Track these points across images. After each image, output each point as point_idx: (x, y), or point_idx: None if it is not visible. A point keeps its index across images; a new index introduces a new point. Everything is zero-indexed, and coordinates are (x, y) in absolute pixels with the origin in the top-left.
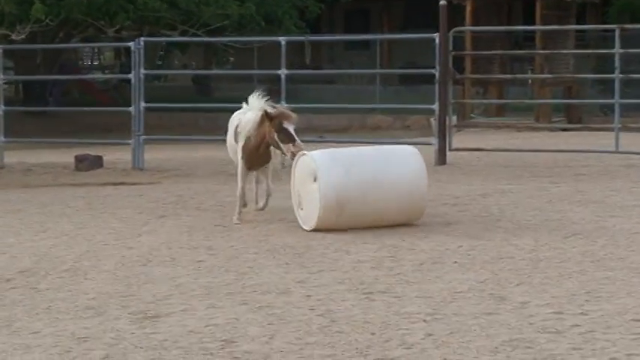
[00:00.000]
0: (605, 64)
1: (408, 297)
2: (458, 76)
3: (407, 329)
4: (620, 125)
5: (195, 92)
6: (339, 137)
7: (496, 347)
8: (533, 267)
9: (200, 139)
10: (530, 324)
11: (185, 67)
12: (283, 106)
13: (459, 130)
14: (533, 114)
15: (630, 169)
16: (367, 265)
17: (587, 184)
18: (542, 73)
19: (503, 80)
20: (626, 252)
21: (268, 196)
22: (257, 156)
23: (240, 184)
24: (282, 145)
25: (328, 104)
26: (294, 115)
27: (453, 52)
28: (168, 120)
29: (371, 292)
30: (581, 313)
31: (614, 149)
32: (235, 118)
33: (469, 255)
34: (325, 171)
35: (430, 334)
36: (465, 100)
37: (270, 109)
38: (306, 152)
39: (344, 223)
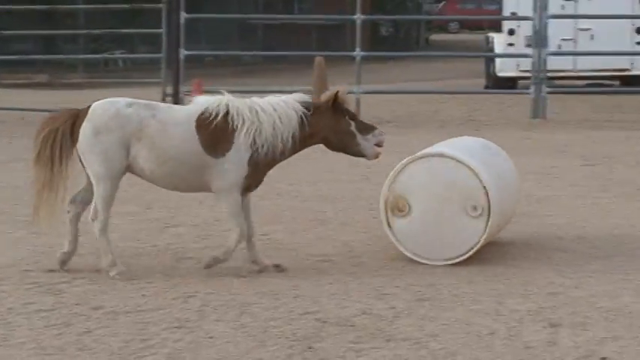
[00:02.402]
0: None
1: None
2: None
3: None
4: None
5: None
6: None
7: None
8: None
9: None
10: None
11: None
12: None
13: None
14: None
15: None
16: None
17: None
18: None
19: None
20: None
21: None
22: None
23: (242, 223)
24: (366, 134)
25: None
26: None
27: None
28: None
29: None
30: None
31: None
32: (166, 115)
33: None
34: (494, 194)
35: None
36: None
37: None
38: (441, 153)
39: None
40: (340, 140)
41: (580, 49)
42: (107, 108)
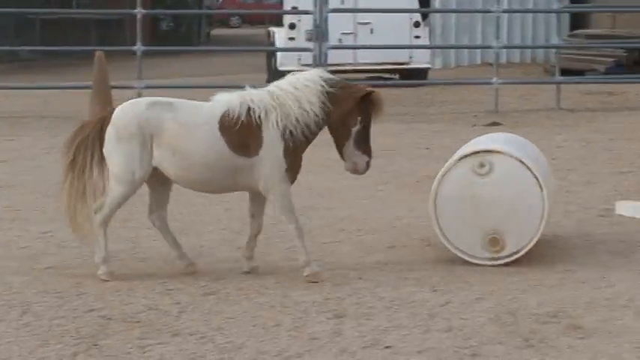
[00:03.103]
0: None
1: None
2: None
3: None
4: None
5: None
6: None
7: None
8: None
9: None
10: None
11: None
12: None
13: None
14: None
15: None
16: None
17: None
18: None
19: None
20: None
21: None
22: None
23: (298, 219)
24: (355, 149)
25: None
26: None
27: None
28: None
29: None
30: None
31: None
32: (186, 116)
33: None
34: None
35: None
36: None
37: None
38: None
39: None
40: (336, 130)
41: (360, 42)
42: (127, 111)
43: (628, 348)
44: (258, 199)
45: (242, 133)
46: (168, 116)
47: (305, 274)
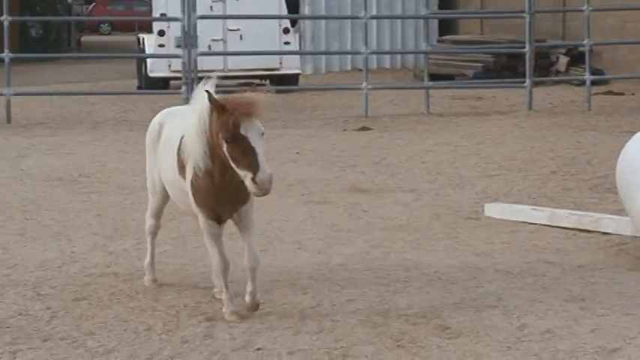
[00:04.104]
0: None
1: None
2: None
3: None
4: None
5: None
6: None
7: None
8: None
9: None
10: None
11: None
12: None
13: None
14: None
15: None
16: None
17: None
18: None
19: None
20: None
21: (254, 276)
22: (224, 192)
23: (216, 254)
24: (237, 169)
25: None
26: (258, 103)
27: None
28: None
29: None
30: None
31: None
32: (172, 126)
33: None
34: None
35: None
36: None
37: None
38: None
39: None
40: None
41: (230, 49)
42: (153, 121)
43: (496, 347)
44: (240, 219)
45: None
46: (167, 125)
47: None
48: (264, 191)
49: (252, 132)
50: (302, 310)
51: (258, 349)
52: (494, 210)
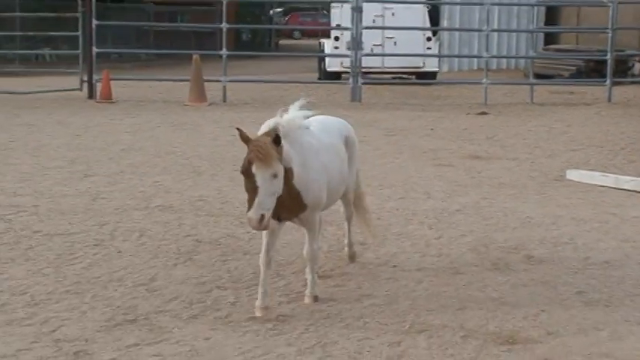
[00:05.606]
0: None
1: None
2: None
3: None
4: None
5: None
6: None
7: None
8: None
9: None
10: None
11: None
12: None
13: None
14: None
15: None
16: None
17: None
18: None
19: None
20: None
21: (312, 268)
22: (279, 202)
23: (264, 246)
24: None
25: None
26: (272, 156)
27: None
28: None
29: None
30: None
31: None
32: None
33: None
34: None
35: None
36: None
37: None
38: None
39: None
40: None
41: (386, 52)
42: None
43: (566, 272)
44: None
45: None
46: None
47: None
48: (251, 227)
49: (262, 172)
50: (427, 240)
51: (394, 265)
52: (574, 175)
